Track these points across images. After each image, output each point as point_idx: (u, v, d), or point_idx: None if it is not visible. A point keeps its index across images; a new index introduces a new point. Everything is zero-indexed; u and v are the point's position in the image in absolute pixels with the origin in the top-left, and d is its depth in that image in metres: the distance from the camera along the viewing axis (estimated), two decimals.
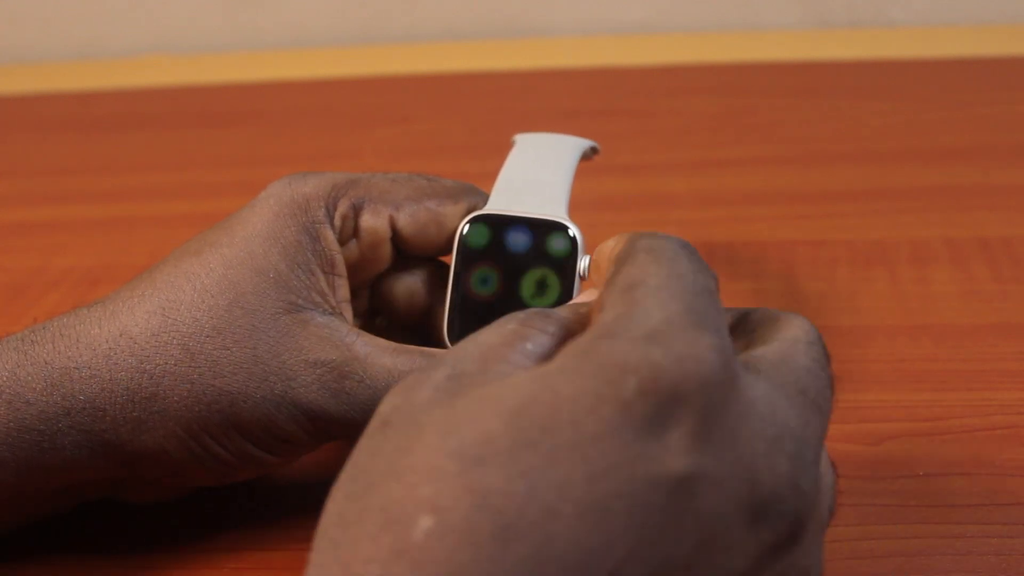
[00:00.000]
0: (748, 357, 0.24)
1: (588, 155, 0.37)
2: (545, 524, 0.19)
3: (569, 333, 0.25)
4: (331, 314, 0.32)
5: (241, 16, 0.85)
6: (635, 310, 0.22)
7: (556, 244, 0.33)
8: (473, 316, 0.33)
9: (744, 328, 0.27)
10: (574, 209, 0.34)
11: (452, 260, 0.34)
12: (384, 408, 0.23)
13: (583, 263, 0.33)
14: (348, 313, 0.33)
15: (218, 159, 0.65)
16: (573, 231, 0.33)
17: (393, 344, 0.31)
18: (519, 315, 0.25)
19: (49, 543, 0.34)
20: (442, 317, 0.33)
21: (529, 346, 0.24)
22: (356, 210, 0.33)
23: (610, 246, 0.27)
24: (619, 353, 0.21)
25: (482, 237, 0.33)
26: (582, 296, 0.29)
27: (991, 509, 0.33)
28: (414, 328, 0.36)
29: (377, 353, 0.31)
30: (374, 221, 0.33)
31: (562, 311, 0.26)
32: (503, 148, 0.37)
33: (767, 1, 0.82)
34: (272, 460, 0.32)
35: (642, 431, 0.20)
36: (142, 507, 0.34)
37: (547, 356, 0.24)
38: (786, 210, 0.53)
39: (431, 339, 0.35)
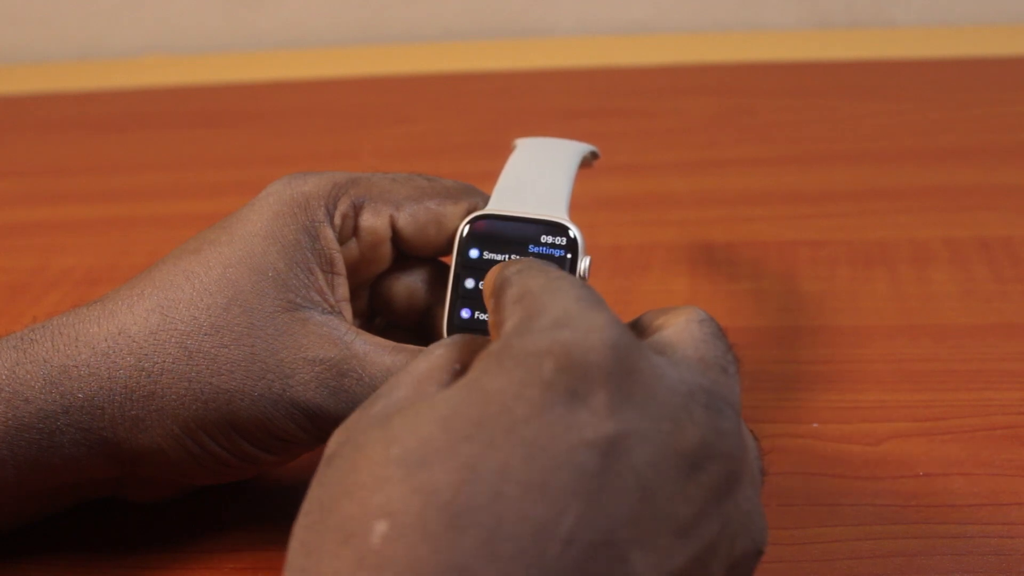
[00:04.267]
0: (648, 342, 0.26)
1: (588, 160, 0.37)
2: (493, 506, 0.20)
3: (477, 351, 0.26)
4: (330, 313, 0.32)
5: (241, 16, 0.85)
6: (531, 311, 0.24)
7: (556, 245, 0.33)
8: (473, 316, 0.33)
9: (638, 326, 0.28)
10: (574, 209, 0.34)
11: (452, 260, 0.34)
12: (330, 447, 0.25)
13: (583, 264, 0.33)
14: (347, 312, 0.33)
15: (218, 159, 0.65)
16: (573, 232, 0.33)
17: (392, 343, 0.31)
18: (445, 341, 0.27)
19: (49, 543, 0.34)
20: (442, 317, 0.33)
21: (458, 366, 0.26)
22: (356, 209, 0.33)
23: (488, 276, 0.29)
24: (531, 343, 0.23)
25: (482, 237, 0.33)
26: None
27: (991, 509, 0.33)
28: (414, 328, 0.36)
29: (376, 351, 0.31)
30: (374, 220, 0.33)
31: (470, 334, 0.28)
32: (503, 148, 0.37)
33: (767, 1, 0.82)
34: (270, 459, 0.32)
35: (567, 404, 0.22)
36: (142, 507, 0.34)
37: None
38: (786, 210, 0.53)
39: (431, 339, 0.34)
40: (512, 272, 0.27)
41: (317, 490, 0.23)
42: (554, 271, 0.26)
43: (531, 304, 0.24)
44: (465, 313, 0.33)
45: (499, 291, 0.26)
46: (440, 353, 0.26)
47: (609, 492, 0.21)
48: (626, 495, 0.21)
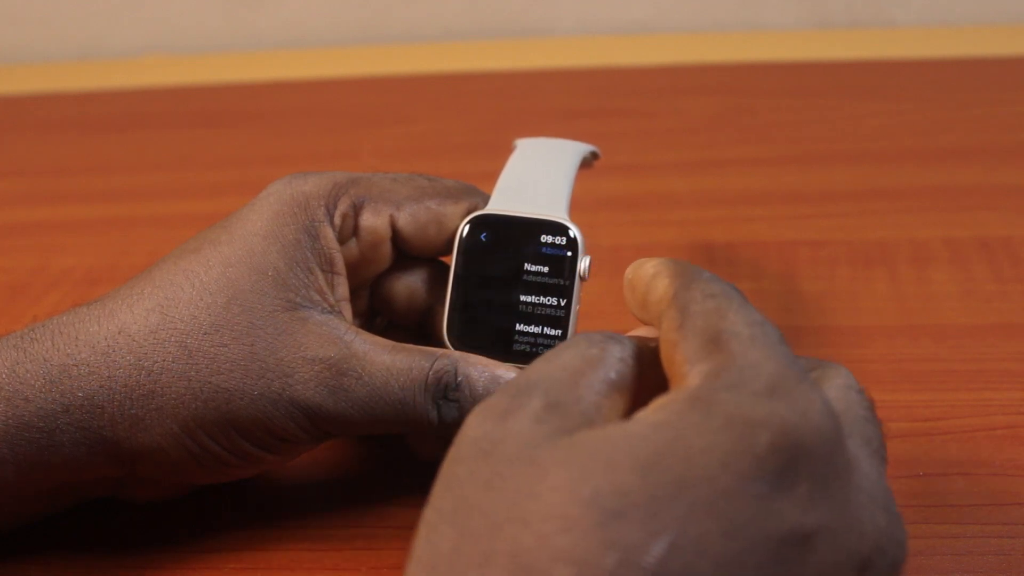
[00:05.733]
0: None
1: (588, 160, 0.37)
2: None
3: (640, 364, 0.25)
4: (330, 312, 0.32)
5: (241, 16, 0.85)
6: (739, 362, 0.23)
7: (557, 244, 0.33)
8: (473, 316, 0.33)
9: None
10: (574, 209, 0.34)
11: (452, 260, 0.34)
12: (476, 432, 0.23)
13: (583, 264, 0.33)
14: (347, 312, 0.33)
15: (218, 159, 0.65)
16: (574, 232, 0.33)
17: (392, 342, 0.31)
18: (594, 337, 0.25)
19: (49, 543, 0.34)
20: (442, 317, 0.33)
21: (612, 375, 0.24)
22: (356, 209, 0.33)
23: (649, 273, 0.27)
24: (746, 407, 0.21)
25: (482, 237, 0.33)
26: (641, 331, 0.29)
27: (991, 509, 0.33)
28: (414, 328, 0.36)
29: (376, 351, 0.31)
30: (374, 220, 0.33)
31: (630, 336, 0.26)
32: (503, 148, 0.37)
33: (767, 1, 0.82)
34: (270, 458, 0.32)
35: (772, 486, 0.21)
36: (142, 506, 0.34)
37: (625, 387, 0.25)
38: (786, 210, 0.53)
39: (431, 339, 0.35)
40: (704, 294, 0.25)
41: (477, 491, 0.22)
42: (755, 313, 0.24)
43: (739, 354, 0.23)
44: (465, 314, 0.33)
45: (686, 311, 0.25)
46: (594, 353, 0.25)
47: None
48: None
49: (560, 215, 0.33)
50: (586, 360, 0.25)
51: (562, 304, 0.32)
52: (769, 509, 0.20)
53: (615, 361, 0.25)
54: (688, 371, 0.23)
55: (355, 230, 0.33)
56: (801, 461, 0.21)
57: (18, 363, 0.30)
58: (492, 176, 0.35)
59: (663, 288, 0.27)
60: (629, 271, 0.29)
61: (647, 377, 0.25)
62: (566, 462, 0.21)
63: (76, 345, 0.30)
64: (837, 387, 0.25)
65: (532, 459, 0.21)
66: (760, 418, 0.21)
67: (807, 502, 0.21)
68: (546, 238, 0.33)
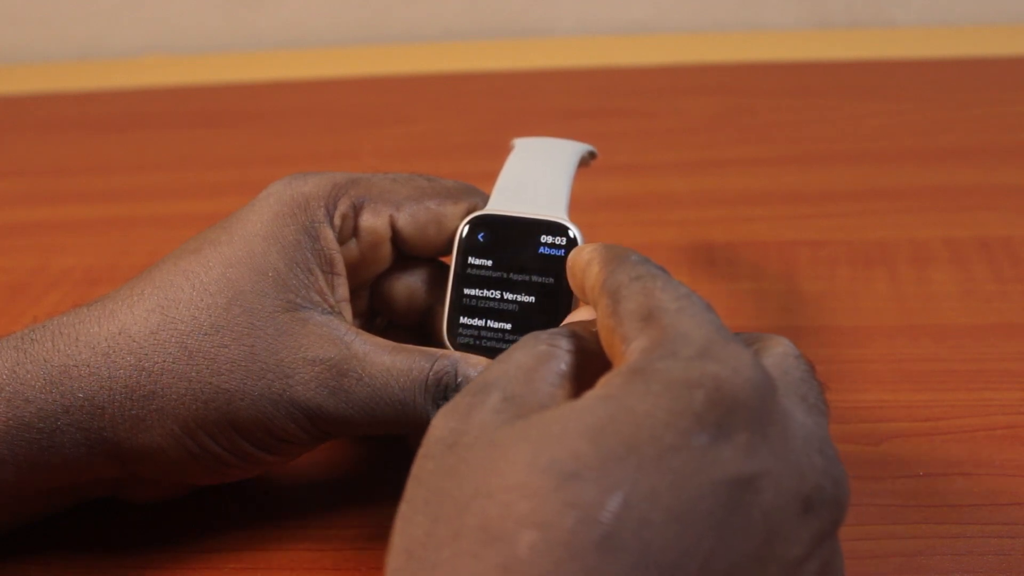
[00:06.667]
0: None
1: (587, 160, 0.37)
2: (641, 532, 0.21)
3: (584, 352, 0.27)
4: (330, 313, 0.32)
5: (241, 16, 0.85)
6: (671, 333, 0.24)
7: (556, 244, 0.33)
8: (472, 316, 0.33)
9: None
10: (574, 209, 0.34)
11: (452, 260, 0.34)
12: (441, 432, 0.24)
13: None
14: (347, 312, 0.33)
15: (218, 159, 0.65)
16: (573, 232, 0.33)
17: (392, 343, 0.31)
18: (542, 335, 0.27)
19: (49, 543, 0.34)
20: (441, 317, 0.33)
21: (562, 366, 0.26)
22: (356, 209, 0.33)
23: (584, 260, 0.29)
24: (680, 371, 0.23)
25: (482, 237, 0.33)
26: (579, 314, 0.31)
27: (991, 509, 0.33)
28: (414, 328, 0.36)
29: (376, 351, 0.31)
30: (374, 220, 0.33)
31: (573, 329, 0.28)
32: (503, 148, 0.37)
33: (767, 1, 0.82)
34: (270, 459, 0.32)
35: (713, 438, 0.22)
36: (142, 507, 0.34)
37: (574, 376, 0.26)
38: (786, 210, 0.53)
39: (431, 339, 0.35)
40: (631, 277, 0.26)
41: (443, 479, 0.23)
42: (680, 287, 0.26)
43: (670, 327, 0.24)
44: (465, 314, 0.33)
45: (616, 296, 0.26)
46: (543, 349, 0.26)
47: (740, 529, 0.21)
48: (753, 533, 0.22)
49: (560, 215, 0.33)
50: (537, 357, 0.26)
51: (562, 304, 0.32)
52: (712, 459, 0.22)
53: (564, 354, 0.26)
54: (626, 350, 0.25)
55: (355, 230, 0.33)
56: (737, 412, 0.22)
57: (18, 364, 0.30)
58: (492, 176, 0.35)
59: (595, 275, 0.28)
60: (569, 258, 0.31)
61: (594, 363, 0.27)
62: (523, 438, 0.22)
63: (76, 346, 0.30)
64: (775, 354, 0.27)
65: (492, 441, 0.23)
66: (695, 378, 0.22)
67: (747, 449, 0.22)
68: (546, 238, 0.33)
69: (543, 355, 0.26)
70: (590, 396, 0.23)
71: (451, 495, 0.22)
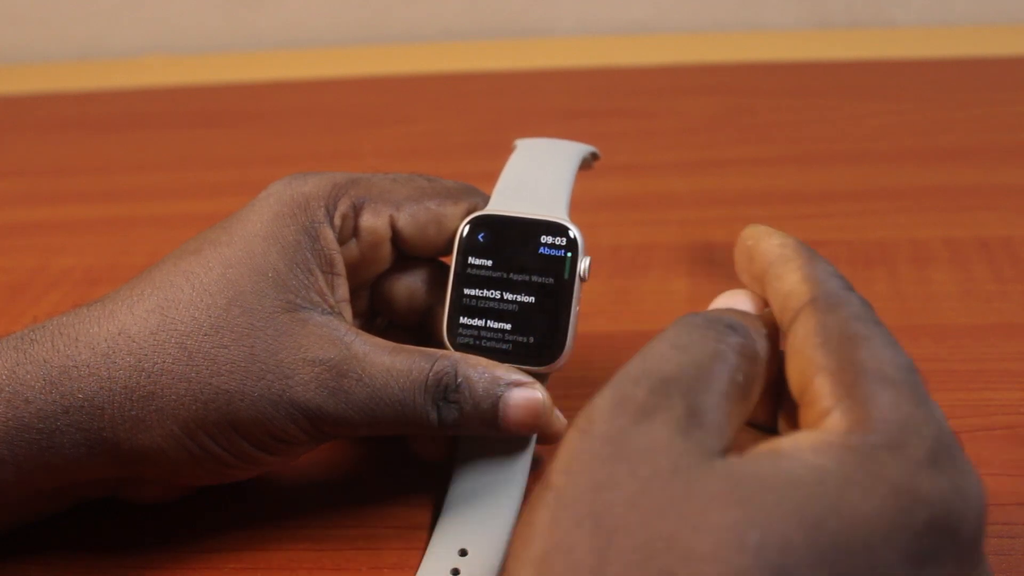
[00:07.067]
0: None
1: (588, 161, 0.37)
2: None
3: (750, 358, 0.25)
4: (330, 313, 0.32)
5: (241, 16, 0.85)
6: (899, 416, 0.22)
7: (557, 245, 0.33)
8: (472, 317, 0.33)
9: None
10: (574, 208, 0.34)
11: (452, 260, 0.34)
12: (610, 428, 0.22)
13: (583, 264, 0.33)
14: (347, 312, 0.33)
15: (218, 159, 0.65)
16: (573, 232, 0.33)
17: (392, 344, 0.31)
18: (708, 326, 0.24)
19: (49, 543, 0.34)
20: (441, 317, 0.33)
21: (738, 377, 0.24)
22: (356, 209, 0.33)
23: (775, 252, 0.27)
24: (909, 477, 0.21)
25: (482, 238, 0.33)
26: (734, 299, 0.28)
27: (991, 509, 0.33)
28: (414, 328, 0.36)
29: (376, 352, 0.31)
30: (374, 221, 0.33)
31: (735, 320, 0.25)
32: (503, 148, 0.37)
33: (767, 1, 0.82)
34: (270, 460, 0.32)
35: (924, 562, 0.20)
36: (142, 507, 0.34)
37: (750, 392, 0.24)
38: (786, 210, 0.53)
39: (431, 339, 0.35)
40: (849, 316, 0.24)
41: (615, 501, 0.21)
42: (900, 351, 0.24)
43: (896, 407, 0.22)
44: (465, 314, 0.33)
45: (826, 330, 0.24)
46: (716, 349, 0.24)
47: None
48: None
49: (560, 215, 0.33)
50: (714, 356, 0.24)
51: (562, 304, 0.32)
52: None
53: (734, 357, 0.24)
54: (832, 406, 0.23)
55: (355, 231, 0.33)
56: (952, 542, 0.21)
57: (18, 364, 0.30)
58: (492, 176, 0.35)
59: (795, 285, 0.26)
60: (749, 236, 0.28)
61: (758, 371, 0.25)
62: (727, 498, 0.20)
63: (76, 346, 0.30)
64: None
65: (688, 484, 0.21)
66: (924, 492, 0.21)
67: None
68: (546, 238, 0.33)
69: (718, 355, 0.24)
70: (802, 462, 0.21)
71: (630, 531, 0.20)
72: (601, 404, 0.23)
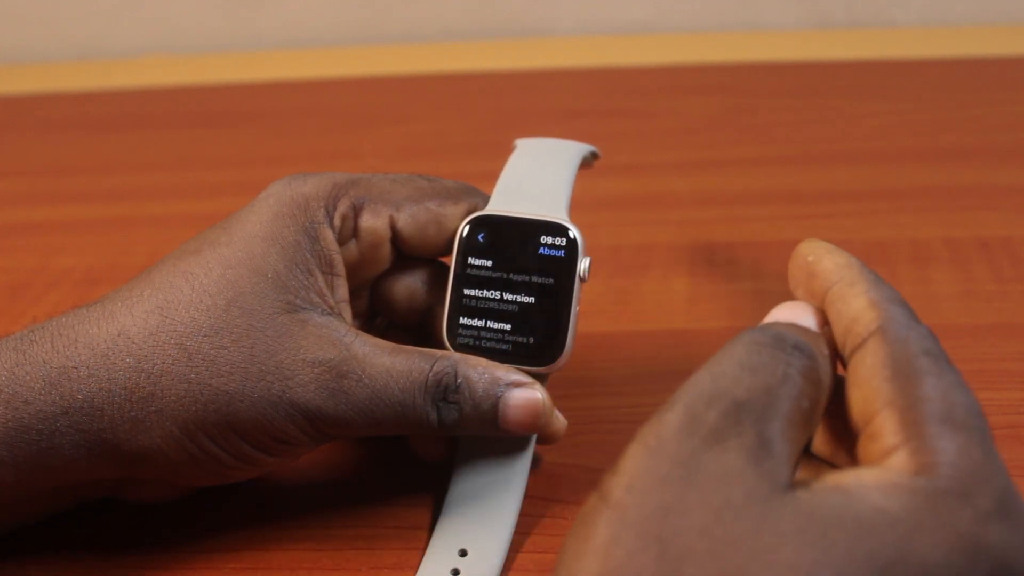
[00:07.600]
0: None
1: (588, 161, 0.37)
2: None
3: (814, 382, 0.24)
4: (330, 314, 0.32)
5: (241, 16, 0.85)
6: (964, 463, 0.22)
7: (556, 245, 0.33)
8: (472, 317, 0.33)
9: None
10: (574, 209, 0.34)
11: (452, 261, 0.34)
12: (680, 449, 0.22)
13: (583, 264, 0.33)
14: (347, 313, 0.33)
15: (218, 159, 0.65)
16: (573, 232, 0.33)
17: (392, 344, 0.31)
18: (775, 344, 0.24)
19: (49, 543, 0.34)
20: (442, 318, 0.33)
21: (804, 403, 0.24)
22: (356, 210, 0.33)
23: (837, 274, 0.26)
24: (976, 528, 0.21)
25: (482, 238, 0.33)
26: (795, 312, 0.27)
27: None
28: (414, 328, 0.36)
29: (376, 353, 0.31)
30: (374, 221, 0.33)
31: (801, 341, 0.25)
32: (503, 148, 0.37)
33: (767, 1, 0.82)
34: (270, 460, 0.32)
35: None
36: (142, 507, 0.34)
37: (813, 420, 0.24)
38: (786, 210, 0.53)
39: (431, 340, 0.35)
40: (922, 350, 0.24)
41: (683, 528, 0.21)
42: (967, 391, 0.23)
43: (962, 452, 0.22)
44: (465, 315, 0.33)
45: (897, 362, 0.24)
46: (784, 373, 0.23)
47: None
48: None
49: (560, 216, 0.33)
50: (783, 380, 0.23)
51: (561, 305, 0.32)
52: None
53: (800, 382, 0.24)
54: (897, 445, 0.23)
55: (355, 231, 0.33)
56: None
57: (17, 365, 0.30)
58: (492, 176, 0.35)
59: (862, 311, 0.25)
60: (809, 252, 0.28)
61: (820, 396, 0.25)
62: (799, 538, 0.20)
63: (75, 347, 0.30)
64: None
65: (760, 518, 0.21)
66: (990, 543, 0.21)
67: None
68: (546, 239, 0.33)
69: (785, 380, 0.23)
70: (870, 504, 0.21)
71: (698, 561, 0.20)
72: (672, 422, 0.22)
